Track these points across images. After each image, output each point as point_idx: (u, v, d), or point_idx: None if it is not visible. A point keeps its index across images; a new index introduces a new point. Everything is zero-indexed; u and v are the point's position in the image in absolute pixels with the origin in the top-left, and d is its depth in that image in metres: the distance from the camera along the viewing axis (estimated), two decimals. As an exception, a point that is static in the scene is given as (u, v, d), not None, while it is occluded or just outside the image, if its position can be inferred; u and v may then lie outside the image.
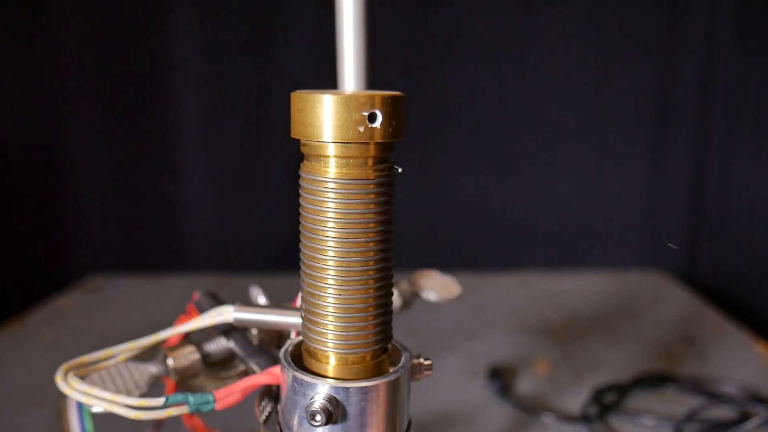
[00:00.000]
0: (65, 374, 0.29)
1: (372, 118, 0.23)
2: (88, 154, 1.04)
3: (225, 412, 0.29)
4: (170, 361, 0.32)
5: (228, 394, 0.29)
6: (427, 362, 0.29)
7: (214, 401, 0.28)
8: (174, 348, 0.33)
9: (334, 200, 0.25)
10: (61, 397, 0.30)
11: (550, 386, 0.66)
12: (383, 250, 0.26)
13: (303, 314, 0.27)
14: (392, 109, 0.24)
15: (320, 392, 0.25)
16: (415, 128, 0.89)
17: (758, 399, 0.61)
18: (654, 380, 0.65)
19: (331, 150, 0.24)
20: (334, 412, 0.25)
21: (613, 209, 1.07)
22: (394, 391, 0.26)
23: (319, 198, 0.25)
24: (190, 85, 1.01)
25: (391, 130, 0.24)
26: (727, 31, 0.98)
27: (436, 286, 0.41)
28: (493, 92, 1.02)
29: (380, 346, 0.27)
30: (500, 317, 0.86)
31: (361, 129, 0.23)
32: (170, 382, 0.34)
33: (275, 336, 0.36)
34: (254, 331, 0.35)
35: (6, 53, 0.99)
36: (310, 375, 0.26)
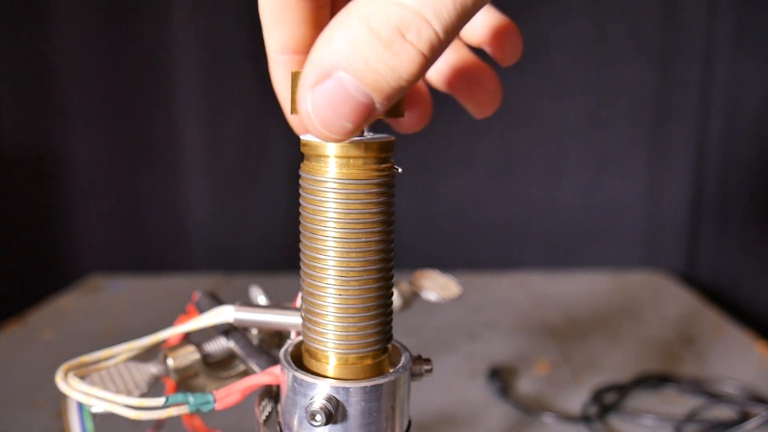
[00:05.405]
0: (65, 374, 0.29)
1: None
2: (88, 154, 1.04)
3: (225, 412, 0.29)
4: (170, 361, 0.32)
5: (228, 394, 0.29)
6: (427, 362, 0.29)
7: (214, 401, 0.28)
8: (174, 348, 0.33)
9: (334, 200, 0.25)
10: (61, 397, 0.30)
11: (550, 386, 0.66)
12: (383, 250, 0.26)
13: (303, 314, 0.27)
14: None
15: (320, 392, 0.25)
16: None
17: (758, 399, 0.61)
18: (654, 380, 0.65)
19: (331, 149, 0.24)
20: (334, 412, 0.25)
21: (613, 209, 1.07)
22: (394, 391, 0.26)
23: (319, 198, 0.25)
24: (190, 85, 1.01)
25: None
26: (727, 31, 0.98)
27: (436, 286, 0.41)
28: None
29: (380, 347, 0.27)
30: (500, 317, 0.86)
31: None
32: (170, 382, 0.34)
33: (275, 336, 0.36)
34: (254, 331, 0.35)
35: (6, 53, 0.99)
36: (310, 375, 0.26)
